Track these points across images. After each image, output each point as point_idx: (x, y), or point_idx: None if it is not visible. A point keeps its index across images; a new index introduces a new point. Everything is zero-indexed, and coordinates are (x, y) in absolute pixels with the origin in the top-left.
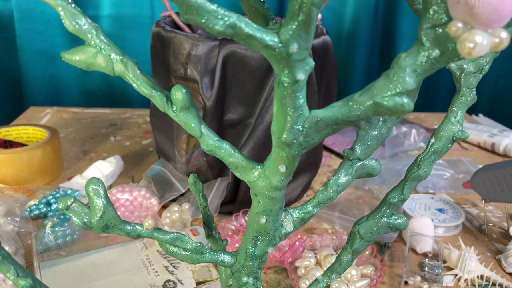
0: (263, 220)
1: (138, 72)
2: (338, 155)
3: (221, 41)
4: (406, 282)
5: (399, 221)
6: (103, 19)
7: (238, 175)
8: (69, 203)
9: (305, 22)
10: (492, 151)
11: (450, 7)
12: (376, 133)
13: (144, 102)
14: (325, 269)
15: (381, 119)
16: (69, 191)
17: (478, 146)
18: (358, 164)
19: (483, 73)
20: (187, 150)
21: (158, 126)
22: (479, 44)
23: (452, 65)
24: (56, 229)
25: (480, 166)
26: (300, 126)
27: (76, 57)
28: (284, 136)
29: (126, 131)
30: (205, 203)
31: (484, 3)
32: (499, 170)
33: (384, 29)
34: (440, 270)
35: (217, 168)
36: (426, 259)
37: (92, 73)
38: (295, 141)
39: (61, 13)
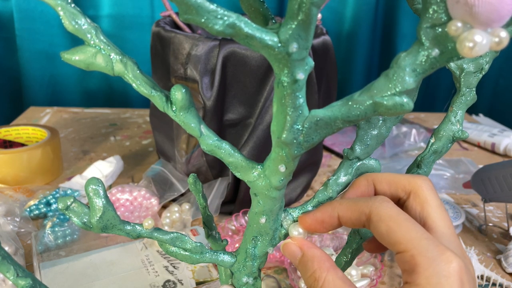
0: (263, 220)
1: (138, 72)
2: (338, 155)
3: (221, 41)
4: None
5: None
6: (103, 19)
7: (238, 175)
8: (69, 203)
9: (305, 21)
10: (492, 151)
11: (449, 7)
12: (376, 132)
13: (144, 102)
14: None
15: (381, 118)
16: (69, 191)
17: (478, 146)
18: (358, 163)
19: (483, 72)
20: (187, 150)
21: (158, 126)
22: (478, 43)
23: (452, 65)
24: (56, 229)
25: (480, 166)
26: (299, 126)
27: (75, 57)
28: (284, 135)
29: (126, 131)
30: (205, 203)
31: (483, 2)
32: (499, 170)
33: (384, 29)
34: None
35: (217, 168)
36: None
37: (92, 73)
38: (294, 141)
39: (61, 13)
